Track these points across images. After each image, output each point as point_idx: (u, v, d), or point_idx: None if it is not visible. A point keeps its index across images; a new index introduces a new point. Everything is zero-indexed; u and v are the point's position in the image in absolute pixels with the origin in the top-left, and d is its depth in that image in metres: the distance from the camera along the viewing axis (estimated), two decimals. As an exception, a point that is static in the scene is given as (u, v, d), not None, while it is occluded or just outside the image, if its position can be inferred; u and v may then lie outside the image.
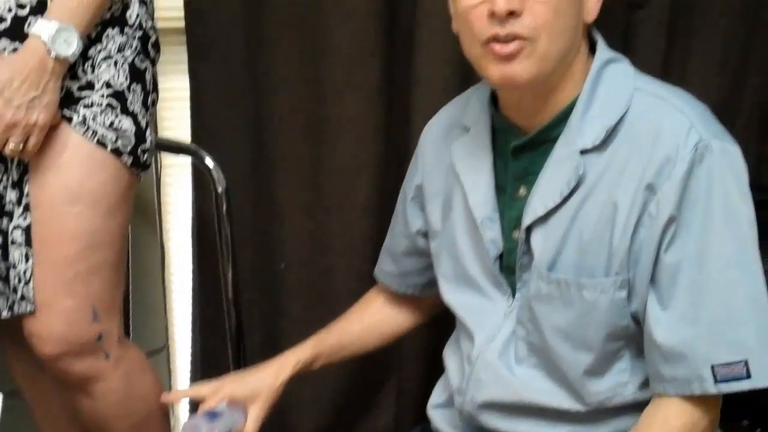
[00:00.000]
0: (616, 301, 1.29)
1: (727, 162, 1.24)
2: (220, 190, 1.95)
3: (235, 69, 2.12)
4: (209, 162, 1.96)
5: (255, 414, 1.57)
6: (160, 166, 2.27)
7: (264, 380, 1.60)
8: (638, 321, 1.31)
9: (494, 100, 1.42)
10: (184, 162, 2.18)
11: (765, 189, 2.34)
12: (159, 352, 2.38)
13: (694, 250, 1.23)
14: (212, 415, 1.52)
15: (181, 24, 2.10)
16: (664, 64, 2.22)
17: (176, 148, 2.09)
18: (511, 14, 1.22)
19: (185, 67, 2.12)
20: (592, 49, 1.37)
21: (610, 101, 1.31)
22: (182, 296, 2.37)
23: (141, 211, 2.27)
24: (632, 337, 1.32)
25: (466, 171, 1.45)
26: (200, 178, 2.11)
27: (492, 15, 1.22)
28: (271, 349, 2.20)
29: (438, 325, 1.70)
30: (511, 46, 1.24)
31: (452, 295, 1.51)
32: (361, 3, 2.05)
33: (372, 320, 1.73)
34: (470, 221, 1.44)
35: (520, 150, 1.37)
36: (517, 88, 1.31)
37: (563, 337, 1.34)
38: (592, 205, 1.29)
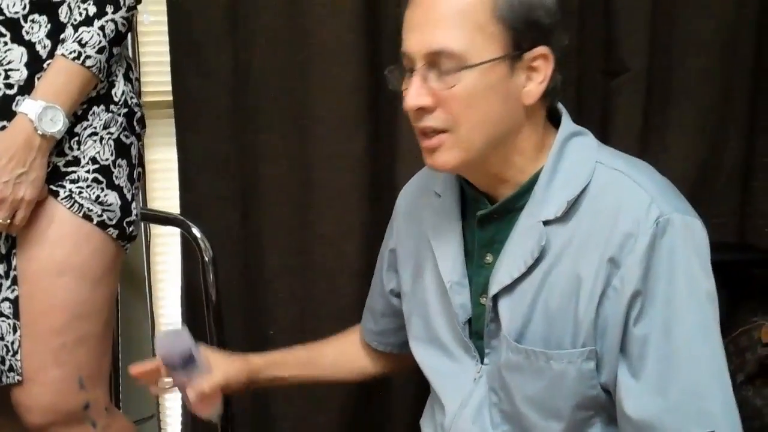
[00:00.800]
0: (584, 371, 1.30)
1: (689, 235, 1.26)
2: (206, 258, 1.98)
3: (222, 141, 2.17)
4: (196, 232, 2.00)
5: (221, 372, 1.55)
6: (150, 236, 2.31)
7: (234, 359, 1.61)
8: (609, 391, 1.32)
9: None
10: (174, 232, 2.22)
11: (749, 248, 2.39)
12: (149, 420, 2.39)
13: (661, 323, 1.24)
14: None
15: (170, 98, 2.16)
16: (644, 130, 2.27)
17: (164, 219, 2.13)
18: (422, 110, 1.28)
19: (174, 139, 2.17)
20: (557, 121, 1.39)
21: (572, 174, 1.33)
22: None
23: (131, 280, 2.31)
24: (603, 407, 1.33)
25: (437, 237, 1.47)
26: (189, 247, 2.14)
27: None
28: (261, 415, 2.23)
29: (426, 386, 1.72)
30: (433, 141, 1.29)
31: (423, 357, 1.53)
32: (346, 75, 2.10)
33: (348, 353, 1.76)
34: (440, 286, 1.46)
35: (485, 219, 1.39)
36: (449, 173, 1.37)
37: (534, 405, 1.35)
38: (556, 275, 1.31)
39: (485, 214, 1.39)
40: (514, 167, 1.35)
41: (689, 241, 1.26)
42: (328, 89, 2.13)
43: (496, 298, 1.36)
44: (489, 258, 1.39)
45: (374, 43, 2.11)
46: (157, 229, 2.33)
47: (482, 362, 1.42)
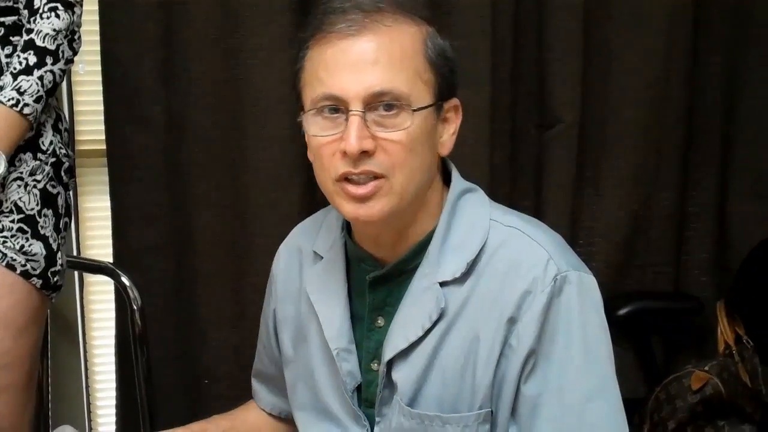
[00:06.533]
0: None
1: (585, 292, 1.25)
2: (135, 307, 1.97)
3: (155, 190, 2.18)
4: (125, 280, 1.99)
5: None
6: (84, 284, 2.30)
7: None
8: None
9: (348, 227, 1.39)
10: (109, 280, 2.21)
11: (684, 297, 2.44)
12: (80, 470, 2.37)
13: (555, 383, 1.22)
14: None
15: (104, 147, 2.16)
16: (578, 180, 2.31)
17: (94, 267, 2.12)
18: (364, 153, 1.20)
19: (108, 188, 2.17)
20: (447, 179, 1.36)
21: (468, 233, 1.30)
22: (107, 413, 2.38)
23: (65, 328, 2.29)
24: None
25: (321, 301, 1.40)
26: (121, 296, 2.13)
27: (344, 154, 1.21)
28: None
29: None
30: (369, 187, 1.22)
31: (309, 428, 1.45)
32: (280, 125, 2.12)
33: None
34: (326, 352, 1.38)
35: (377, 282, 1.33)
36: (374, 225, 1.27)
37: None
38: (454, 337, 1.27)
39: (378, 276, 1.34)
40: (420, 223, 1.31)
41: (586, 298, 1.25)
42: (263, 139, 2.15)
43: (390, 364, 1.31)
44: (380, 321, 1.34)
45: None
46: (91, 278, 2.32)
47: (372, 431, 1.36)
